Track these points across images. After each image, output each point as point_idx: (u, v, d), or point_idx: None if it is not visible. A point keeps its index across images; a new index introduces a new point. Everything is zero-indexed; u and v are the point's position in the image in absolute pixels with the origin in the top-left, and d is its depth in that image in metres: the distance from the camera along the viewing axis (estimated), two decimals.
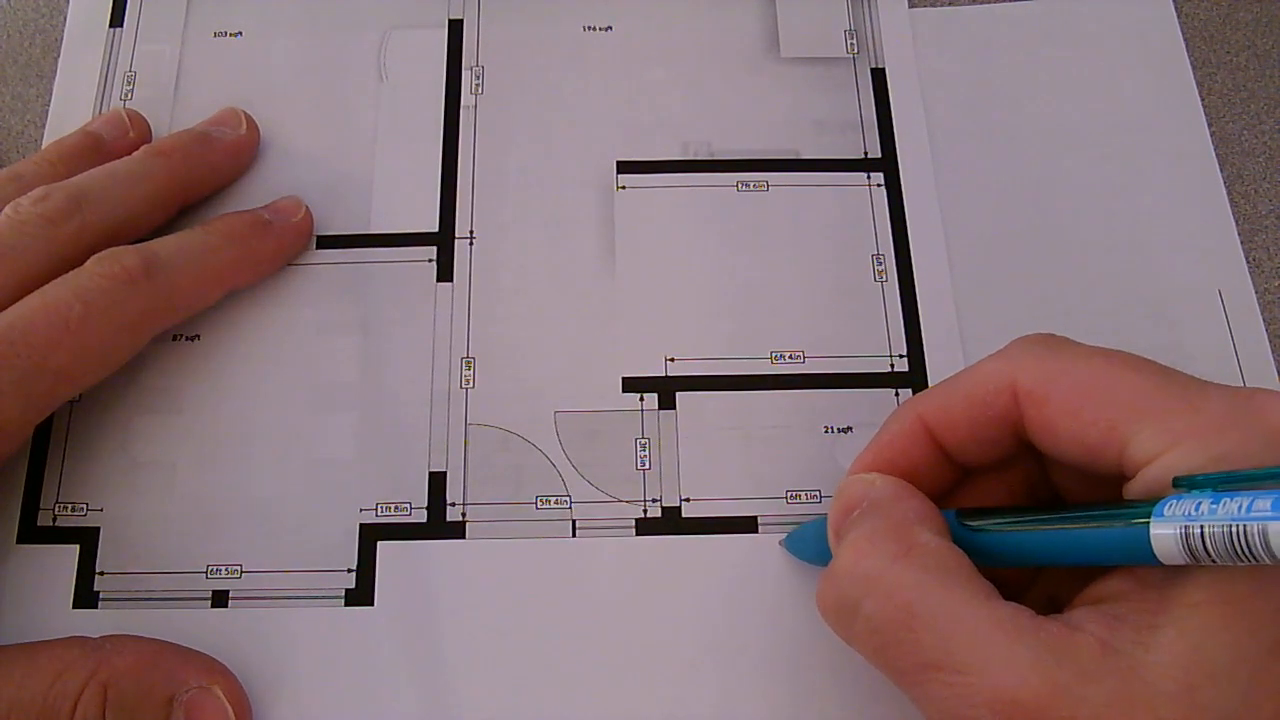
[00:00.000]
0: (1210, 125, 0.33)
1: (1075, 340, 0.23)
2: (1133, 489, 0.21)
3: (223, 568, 0.27)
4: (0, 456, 0.25)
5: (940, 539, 0.22)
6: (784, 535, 0.27)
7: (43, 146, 0.31)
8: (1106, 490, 0.22)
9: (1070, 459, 0.22)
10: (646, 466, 0.28)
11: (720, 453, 0.29)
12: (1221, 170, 0.32)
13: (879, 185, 0.32)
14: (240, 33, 0.34)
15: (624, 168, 0.32)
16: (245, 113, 0.32)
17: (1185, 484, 0.19)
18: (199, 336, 0.30)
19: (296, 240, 0.30)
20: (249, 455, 0.28)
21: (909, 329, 0.30)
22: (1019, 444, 0.23)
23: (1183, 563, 0.19)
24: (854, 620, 0.21)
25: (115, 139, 0.31)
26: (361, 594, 0.27)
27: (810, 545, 0.26)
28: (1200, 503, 0.18)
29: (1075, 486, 0.24)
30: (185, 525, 0.28)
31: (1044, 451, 0.23)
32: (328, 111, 0.32)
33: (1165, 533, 0.19)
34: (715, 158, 0.32)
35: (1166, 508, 0.19)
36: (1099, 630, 0.19)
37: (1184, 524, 0.18)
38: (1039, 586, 0.24)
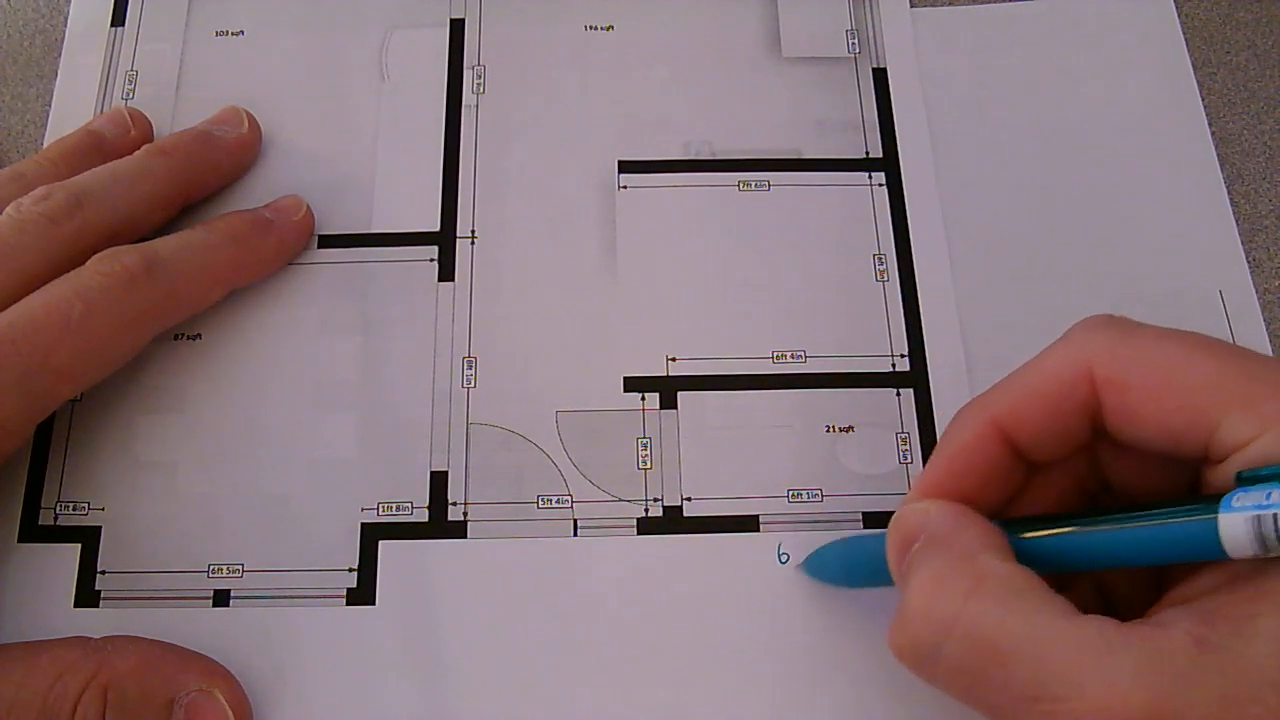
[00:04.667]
0: (1210, 125, 0.33)
1: (1136, 320, 0.22)
2: (1221, 473, 0.20)
3: (224, 567, 0.27)
4: (2, 455, 0.25)
5: (1007, 563, 0.21)
6: (802, 560, 0.27)
7: (44, 146, 0.31)
8: (1172, 476, 0.22)
9: (1152, 445, 0.22)
10: (648, 466, 0.28)
11: (722, 452, 0.29)
12: (1221, 170, 0.32)
13: (880, 185, 0.32)
14: (242, 32, 0.34)
15: (625, 167, 0.32)
16: (247, 112, 0.32)
17: (1249, 477, 0.19)
18: (200, 336, 0.29)
19: (298, 239, 0.30)
20: (251, 455, 0.28)
21: (910, 328, 0.30)
22: (1092, 434, 0.23)
23: (1253, 554, 0.19)
24: (936, 664, 0.21)
25: (117, 138, 0.31)
26: (363, 593, 0.27)
27: (834, 568, 0.26)
28: (1271, 492, 0.18)
29: (1134, 477, 0.23)
30: (187, 524, 0.27)
31: (1122, 440, 0.22)
32: (329, 110, 0.32)
33: (1236, 522, 0.19)
34: (717, 157, 0.32)
35: (1235, 499, 0.19)
36: (1192, 628, 0.19)
37: (1256, 512, 0.18)
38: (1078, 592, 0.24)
